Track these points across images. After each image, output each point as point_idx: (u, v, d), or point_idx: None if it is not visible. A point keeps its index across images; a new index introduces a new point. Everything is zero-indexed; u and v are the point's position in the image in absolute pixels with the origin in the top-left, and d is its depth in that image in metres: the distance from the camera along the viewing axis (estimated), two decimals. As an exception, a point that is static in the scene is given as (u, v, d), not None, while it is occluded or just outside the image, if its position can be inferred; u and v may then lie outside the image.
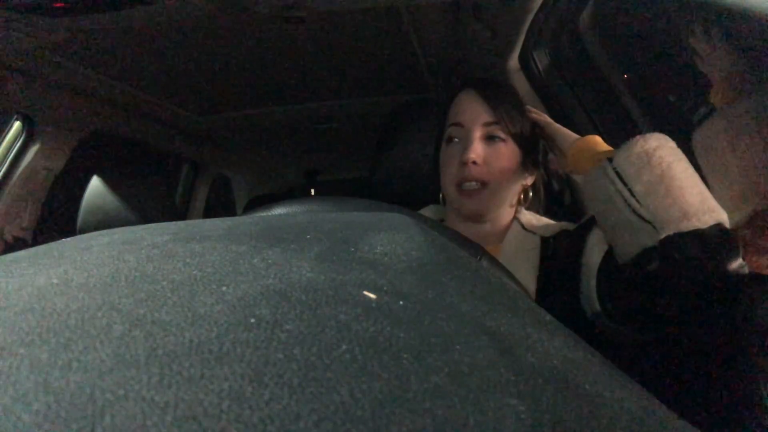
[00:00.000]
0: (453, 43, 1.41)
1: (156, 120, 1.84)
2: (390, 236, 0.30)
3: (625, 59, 1.15)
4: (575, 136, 0.76)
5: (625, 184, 0.61)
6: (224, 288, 0.22)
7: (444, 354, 0.19)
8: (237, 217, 0.37)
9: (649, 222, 0.58)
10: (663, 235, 0.57)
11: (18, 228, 1.44)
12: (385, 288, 0.23)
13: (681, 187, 0.58)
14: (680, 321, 0.60)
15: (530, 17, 1.10)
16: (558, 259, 0.76)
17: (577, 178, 1.19)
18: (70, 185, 1.50)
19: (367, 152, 1.27)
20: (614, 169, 0.62)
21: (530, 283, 0.75)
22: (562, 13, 1.13)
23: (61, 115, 1.47)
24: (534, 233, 0.81)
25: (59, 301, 0.21)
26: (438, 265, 0.27)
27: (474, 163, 0.78)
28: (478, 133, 0.79)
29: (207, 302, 0.21)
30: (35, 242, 1.48)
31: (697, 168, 0.62)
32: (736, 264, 0.56)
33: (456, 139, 0.82)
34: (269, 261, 0.25)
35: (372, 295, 0.22)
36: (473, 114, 0.81)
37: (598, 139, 0.72)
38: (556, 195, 1.32)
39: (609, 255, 0.67)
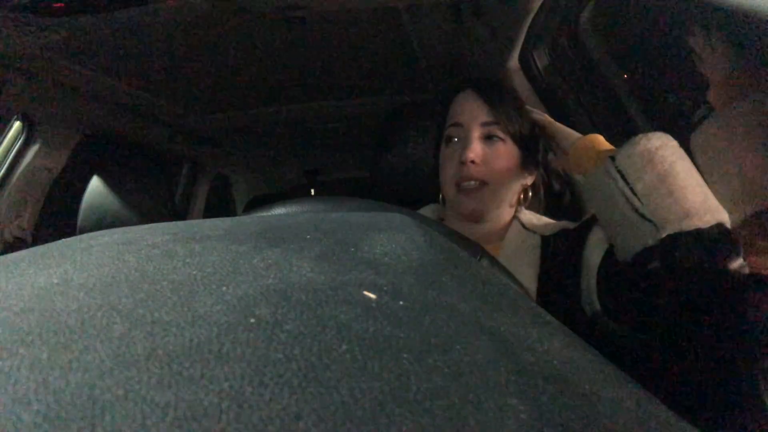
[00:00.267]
0: (453, 43, 1.41)
1: (156, 120, 1.84)
2: (390, 236, 0.30)
3: (625, 59, 1.15)
4: (577, 134, 0.76)
5: (627, 182, 0.61)
6: (224, 288, 0.22)
7: (444, 354, 0.19)
8: (237, 217, 0.37)
9: (650, 221, 0.59)
10: (664, 234, 0.58)
11: (18, 228, 1.44)
12: (385, 288, 0.23)
13: (683, 187, 0.58)
14: (680, 320, 0.60)
15: (530, 17, 1.10)
16: (558, 258, 0.76)
17: (578, 177, 1.19)
18: (70, 185, 1.50)
19: (367, 152, 1.27)
20: (616, 167, 0.62)
21: (530, 282, 0.75)
22: (562, 13, 1.13)
23: (61, 115, 1.47)
24: (534, 232, 0.81)
25: (59, 301, 0.21)
26: (438, 265, 0.27)
27: (473, 162, 0.78)
28: (476, 133, 0.80)
29: (207, 302, 0.21)
30: (35, 242, 1.48)
31: (697, 168, 0.62)
32: (737, 264, 0.56)
33: (455, 139, 0.82)
34: (269, 261, 0.25)
35: (372, 295, 0.22)
36: (472, 114, 0.81)
37: (600, 137, 0.72)
38: (556, 195, 1.32)
39: (609, 254, 0.67)
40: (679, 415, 0.21)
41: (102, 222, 1.27)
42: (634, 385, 0.22)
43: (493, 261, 0.42)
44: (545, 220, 0.85)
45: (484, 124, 0.80)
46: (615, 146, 0.69)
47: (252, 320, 0.19)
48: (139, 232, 0.30)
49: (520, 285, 0.41)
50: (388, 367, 0.18)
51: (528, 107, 0.86)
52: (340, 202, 0.48)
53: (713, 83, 0.80)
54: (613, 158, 0.63)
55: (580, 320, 0.69)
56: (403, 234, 0.30)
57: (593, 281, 0.68)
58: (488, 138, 0.80)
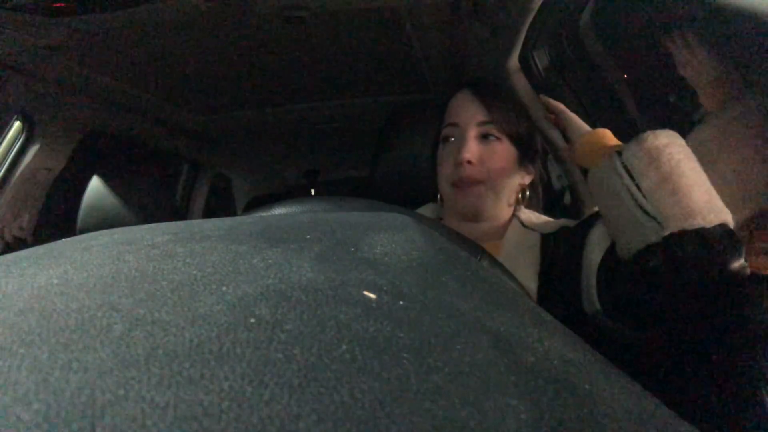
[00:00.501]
0: (453, 43, 1.41)
1: (156, 120, 1.84)
2: (390, 236, 0.30)
3: (625, 59, 1.15)
4: (586, 127, 0.76)
5: (632, 178, 0.61)
6: (224, 288, 0.22)
7: (444, 354, 0.19)
8: (237, 217, 0.37)
9: (654, 218, 0.59)
10: (667, 232, 0.58)
11: (18, 228, 1.44)
12: (385, 288, 0.23)
13: (688, 186, 0.58)
14: (680, 319, 0.60)
15: (530, 17, 1.10)
16: (558, 256, 0.76)
17: (576, 175, 1.19)
18: (70, 185, 1.50)
19: (367, 152, 1.27)
20: (622, 163, 0.62)
21: (530, 281, 0.75)
22: (562, 13, 1.13)
23: (61, 115, 1.47)
24: (534, 230, 0.81)
25: (59, 301, 0.21)
26: (438, 265, 0.27)
27: (469, 162, 0.78)
28: (472, 133, 0.80)
29: (207, 302, 0.21)
30: (35, 242, 1.48)
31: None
32: (738, 264, 0.56)
33: (452, 139, 0.83)
34: (269, 261, 0.25)
35: (372, 295, 0.22)
36: (468, 114, 0.82)
37: (608, 132, 0.72)
38: (556, 195, 1.32)
39: (610, 252, 0.67)
40: (679, 414, 0.21)
41: (102, 222, 1.27)
42: (634, 385, 0.22)
43: (493, 261, 0.42)
44: (545, 218, 0.85)
45: (480, 124, 0.81)
46: (618, 144, 0.69)
47: (252, 320, 0.19)
48: (139, 232, 0.30)
49: (520, 285, 0.41)
50: (388, 367, 0.18)
51: (542, 96, 0.87)
52: (340, 202, 0.48)
53: (700, 86, 0.80)
54: (619, 154, 0.63)
55: (580, 319, 0.69)
56: (403, 234, 0.30)
57: (593, 280, 0.68)
58: (484, 137, 0.81)
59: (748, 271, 0.56)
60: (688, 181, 0.58)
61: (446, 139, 0.84)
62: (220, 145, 2.25)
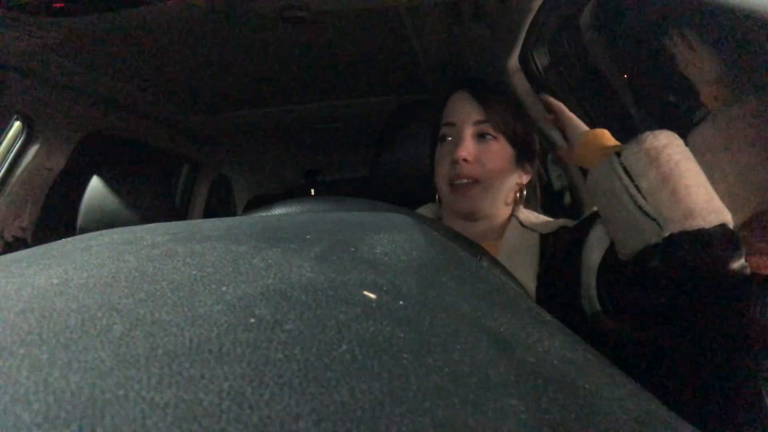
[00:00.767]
0: (453, 43, 1.41)
1: (156, 120, 1.84)
2: (390, 236, 0.30)
3: (625, 59, 1.15)
4: (585, 127, 0.76)
5: (631, 179, 0.61)
6: (224, 288, 0.22)
7: (444, 354, 0.19)
8: (237, 217, 0.37)
9: (653, 219, 0.59)
10: (667, 233, 0.57)
11: (18, 228, 1.43)
12: (385, 288, 0.23)
13: (688, 186, 0.58)
14: (680, 320, 0.60)
15: (530, 17, 1.10)
16: (557, 255, 0.76)
17: (575, 175, 1.19)
18: (70, 185, 1.50)
19: (367, 152, 1.27)
20: (622, 163, 0.62)
21: (530, 280, 0.75)
22: (562, 13, 1.13)
23: (61, 115, 1.47)
24: (533, 230, 0.81)
25: (59, 301, 0.21)
26: (438, 265, 0.27)
27: (465, 161, 0.79)
28: (468, 132, 0.80)
29: (207, 302, 0.21)
30: (35, 242, 1.48)
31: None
32: (738, 264, 0.56)
33: (448, 138, 0.83)
34: (269, 261, 0.25)
35: (372, 295, 0.22)
36: (464, 113, 0.82)
37: (606, 133, 0.72)
38: (555, 194, 1.32)
39: (610, 252, 0.67)
40: (678, 414, 0.21)
41: (102, 222, 1.27)
42: (634, 385, 0.22)
43: (493, 261, 0.42)
44: (544, 218, 0.85)
45: (476, 123, 0.81)
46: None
47: (252, 320, 0.19)
48: (139, 232, 0.30)
49: (520, 285, 0.41)
50: (387, 367, 0.18)
51: (543, 95, 0.87)
52: (340, 202, 0.48)
53: (701, 85, 0.80)
54: (618, 154, 0.63)
55: (580, 319, 0.69)
56: (403, 234, 0.30)
57: (593, 280, 0.68)
58: (481, 137, 0.81)
59: (748, 271, 0.56)
60: (688, 182, 0.58)
61: (443, 138, 0.84)
62: (220, 145, 2.25)
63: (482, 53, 1.35)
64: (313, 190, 3.10)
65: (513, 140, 0.82)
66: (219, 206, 2.57)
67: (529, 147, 0.85)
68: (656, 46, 1.02)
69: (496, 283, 0.30)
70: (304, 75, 1.61)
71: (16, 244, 1.42)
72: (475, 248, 0.42)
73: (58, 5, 0.98)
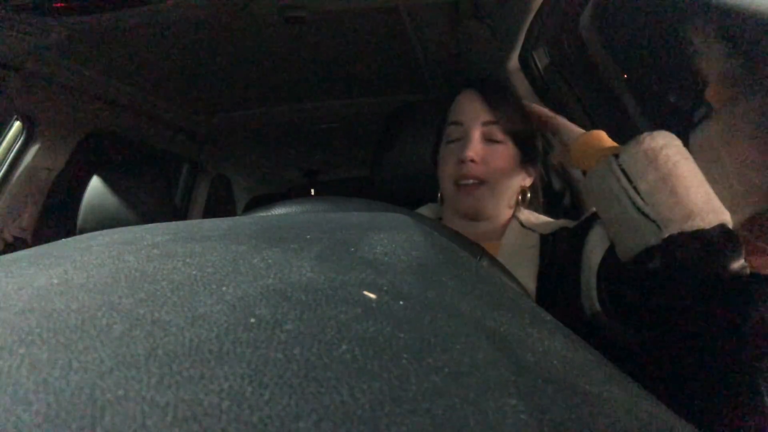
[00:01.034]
0: (453, 43, 1.41)
1: (156, 120, 1.84)
2: (390, 236, 0.30)
3: (625, 59, 1.15)
4: (580, 130, 0.76)
5: (630, 181, 0.61)
6: (224, 288, 0.22)
7: (444, 354, 0.19)
8: (237, 217, 0.37)
9: (652, 220, 0.58)
10: (666, 234, 0.57)
11: (18, 228, 1.44)
12: (385, 288, 0.23)
13: (686, 187, 0.58)
14: (680, 320, 0.60)
15: (530, 17, 1.10)
16: (558, 256, 0.76)
17: (576, 175, 1.19)
18: (70, 185, 1.50)
19: (367, 152, 1.27)
20: (620, 165, 0.62)
21: (530, 281, 0.75)
22: (562, 13, 1.13)
23: (61, 115, 1.47)
24: (533, 231, 0.81)
25: (59, 301, 0.21)
26: (438, 265, 0.27)
27: (472, 161, 0.78)
28: (477, 132, 0.80)
29: (207, 302, 0.21)
30: (35, 242, 1.48)
31: (696, 168, 0.62)
32: (738, 264, 0.56)
33: (455, 138, 0.83)
34: (269, 261, 0.25)
35: (372, 295, 0.22)
36: (473, 113, 0.81)
37: (603, 134, 0.72)
38: (556, 195, 1.32)
39: (610, 253, 0.67)
40: (679, 414, 0.21)
41: (102, 222, 1.27)
42: (634, 385, 0.22)
43: (493, 261, 0.42)
44: (544, 219, 0.85)
45: (485, 124, 0.80)
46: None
47: (252, 320, 0.19)
48: (139, 232, 0.30)
49: (520, 285, 0.41)
50: (387, 367, 0.18)
51: (530, 103, 0.86)
52: (340, 202, 0.48)
53: (712, 79, 0.80)
54: (616, 156, 0.63)
55: (580, 320, 0.69)
56: (403, 234, 0.30)
57: (593, 280, 0.68)
58: (488, 138, 0.80)
59: (748, 271, 0.56)
60: (686, 182, 0.58)
61: (449, 137, 0.84)
62: (220, 145, 2.25)
63: (482, 53, 1.35)
64: (313, 190, 3.10)
65: (519, 142, 0.82)
66: (219, 206, 2.57)
67: (533, 149, 0.85)
68: (656, 45, 1.02)
69: (496, 283, 0.30)
70: (304, 75, 1.61)
71: (16, 244, 1.42)
72: (475, 248, 0.42)
73: (58, 5, 0.98)
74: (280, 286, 0.22)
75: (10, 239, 1.41)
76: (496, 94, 0.83)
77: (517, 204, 0.86)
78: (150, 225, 0.33)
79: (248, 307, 0.20)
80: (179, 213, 2.16)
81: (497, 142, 0.80)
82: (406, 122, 1.15)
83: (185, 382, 0.16)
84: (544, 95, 1.26)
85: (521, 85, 1.25)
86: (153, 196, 1.34)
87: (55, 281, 0.23)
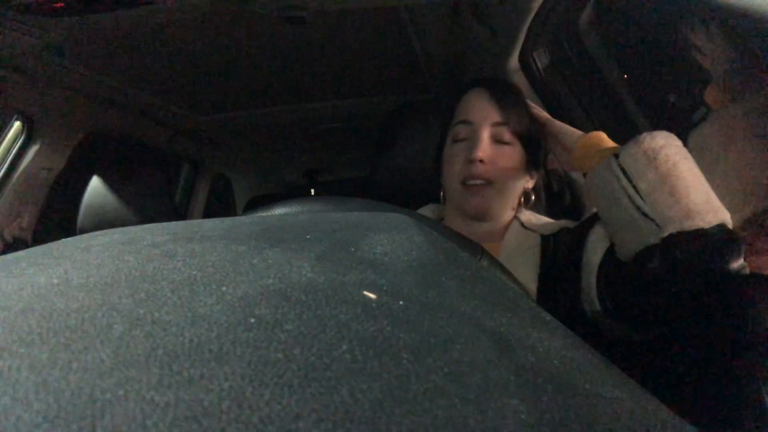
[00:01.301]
0: (453, 43, 1.41)
1: (156, 120, 1.84)
2: (390, 236, 0.30)
3: (625, 59, 1.15)
4: (579, 132, 0.76)
5: (629, 180, 0.61)
6: (224, 288, 0.22)
7: (444, 354, 0.19)
8: (237, 217, 0.37)
9: (652, 220, 0.59)
10: (666, 234, 0.57)
11: (18, 228, 1.44)
12: (385, 288, 0.23)
13: (686, 186, 0.58)
14: (680, 320, 0.60)
15: (530, 17, 1.10)
16: (558, 257, 0.76)
17: (575, 175, 1.19)
18: (70, 185, 1.50)
19: (367, 152, 1.28)
20: (619, 165, 0.62)
21: (530, 282, 0.75)
22: (562, 13, 1.13)
23: (61, 116, 1.47)
24: (534, 231, 0.81)
25: (59, 301, 0.21)
26: (438, 265, 0.27)
27: (481, 161, 0.78)
28: (486, 133, 0.80)
29: (207, 302, 0.21)
30: (35, 242, 1.48)
31: (696, 167, 0.62)
32: (738, 264, 0.56)
33: (463, 137, 0.82)
34: (269, 261, 0.25)
35: (372, 295, 0.22)
36: (483, 113, 0.81)
37: (603, 135, 0.72)
38: (556, 195, 1.32)
39: (610, 253, 0.67)
40: (678, 414, 0.21)
41: (102, 222, 1.27)
42: (634, 385, 0.22)
43: (493, 261, 0.42)
44: (545, 219, 0.85)
45: (495, 125, 0.80)
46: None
47: (252, 320, 0.19)
48: (139, 232, 0.30)
49: (520, 285, 0.41)
50: (388, 367, 0.18)
51: (531, 104, 0.86)
52: (340, 202, 0.48)
53: (712, 79, 0.80)
54: (616, 156, 0.63)
55: (580, 320, 0.69)
56: (403, 234, 0.30)
57: (593, 280, 0.68)
58: (497, 139, 0.80)
59: (747, 270, 0.56)
60: (686, 182, 0.58)
61: (457, 136, 0.83)
62: (220, 145, 2.26)
63: (482, 53, 1.35)
64: (313, 190, 3.10)
65: (526, 143, 0.81)
66: (219, 206, 2.57)
67: (539, 151, 0.85)
68: (656, 45, 1.02)
69: (496, 283, 0.30)
70: (304, 75, 1.61)
71: (16, 244, 1.42)
72: (475, 248, 0.42)
73: (58, 5, 0.98)
74: (280, 286, 0.22)
75: (10, 239, 1.41)
76: (506, 95, 0.82)
77: (519, 205, 0.86)
78: (150, 225, 0.33)
79: (248, 307, 0.20)
80: (179, 213, 2.16)
81: (505, 143, 0.80)
82: (406, 122, 1.15)
83: (185, 382, 0.16)
84: (544, 95, 1.26)
85: (521, 85, 1.25)
86: (153, 196, 1.34)
87: (55, 281, 0.23)
